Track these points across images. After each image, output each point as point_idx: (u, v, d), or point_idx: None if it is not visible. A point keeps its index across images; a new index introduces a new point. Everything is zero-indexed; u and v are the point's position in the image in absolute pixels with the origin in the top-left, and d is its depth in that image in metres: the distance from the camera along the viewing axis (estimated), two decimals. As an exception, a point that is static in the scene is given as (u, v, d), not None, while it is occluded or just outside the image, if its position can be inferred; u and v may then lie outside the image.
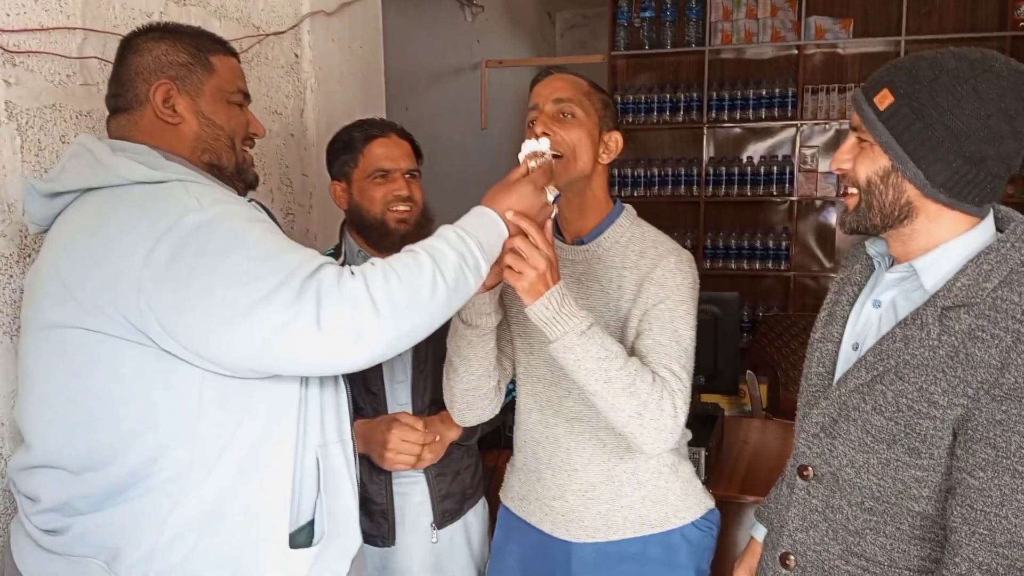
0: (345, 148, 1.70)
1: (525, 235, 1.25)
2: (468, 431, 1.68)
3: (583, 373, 1.30)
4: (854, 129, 1.18)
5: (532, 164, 1.33)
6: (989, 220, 1.15)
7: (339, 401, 1.27)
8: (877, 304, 1.22)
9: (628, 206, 1.58)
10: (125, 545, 1.11)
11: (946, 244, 1.13)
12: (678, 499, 1.54)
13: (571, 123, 1.46)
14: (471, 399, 1.52)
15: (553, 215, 1.32)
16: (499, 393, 1.56)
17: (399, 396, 1.70)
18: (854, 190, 1.18)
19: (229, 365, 1.08)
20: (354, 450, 1.28)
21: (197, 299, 1.03)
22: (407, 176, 1.70)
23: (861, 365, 1.17)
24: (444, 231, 1.18)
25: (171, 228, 1.05)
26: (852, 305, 1.26)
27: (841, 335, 1.26)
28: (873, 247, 1.26)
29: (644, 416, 1.31)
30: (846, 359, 1.24)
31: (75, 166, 1.17)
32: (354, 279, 1.07)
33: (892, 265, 1.22)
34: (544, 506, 1.57)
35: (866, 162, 1.15)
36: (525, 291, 1.26)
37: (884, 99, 1.12)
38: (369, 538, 1.70)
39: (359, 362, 1.08)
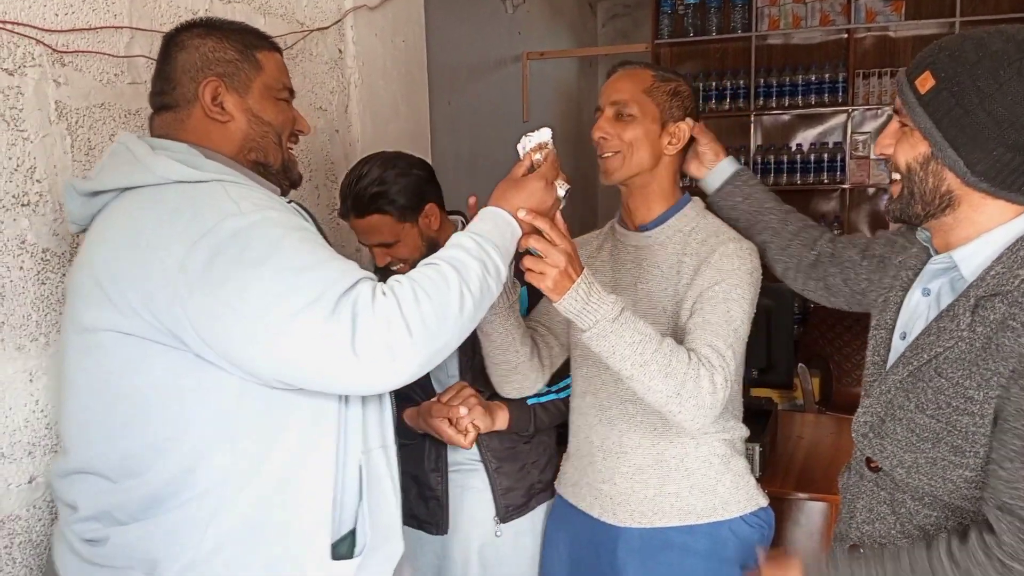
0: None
1: (539, 232, 1.23)
2: (519, 421, 1.65)
3: (618, 359, 1.29)
4: (896, 112, 1.13)
5: (537, 156, 1.28)
6: None
7: (383, 406, 1.24)
8: (927, 292, 1.17)
9: (696, 198, 1.58)
10: (164, 557, 1.09)
11: (988, 234, 1.08)
12: (727, 492, 1.52)
13: (628, 122, 1.48)
14: (505, 372, 1.55)
15: (562, 207, 1.29)
16: (539, 369, 1.57)
17: (446, 383, 1.69)
18: (896, 176, 1.13)
19: (261, 376, 1.06)
20: (397, 455, 1.26)
21: (231, 307, 1.01)
22: (384, 248, 1.67)
23: (901, 360, 1.14)
24: (461, 239, 1.16)
25: (208, 232, 1.03)
26: (906, 291, 1.22)
27: (894, 322, 1.21)
28: (921, 233, 1.21)
29: (682, 395, 1.31)
30: (896, 349, 1.20)
31: (114, 164, 1.16)
32: (387, 299, 1.04)
33: (937, 254, 1.17)
34: (594, 490, 1.57)
35: (906, 147, 1.11)
36: (550, 290, 1.25)
37: (925, 82, 1.07)
38: (423, 524, 1.72)
39: (390, 384, 1.06)
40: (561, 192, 1.27)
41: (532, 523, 1.76)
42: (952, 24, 4.14)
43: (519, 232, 1.21)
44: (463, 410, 1.56)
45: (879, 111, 4.46)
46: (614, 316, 1.27)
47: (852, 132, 4.50)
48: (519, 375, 1.55)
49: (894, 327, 1.21)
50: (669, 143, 1.50)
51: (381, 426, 1.23)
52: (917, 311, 1.18)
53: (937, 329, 1.09)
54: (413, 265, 1.65)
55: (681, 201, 1.55)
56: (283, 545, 1.11)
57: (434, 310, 1.05)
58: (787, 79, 4.46)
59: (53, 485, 1.21)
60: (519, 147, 1.31)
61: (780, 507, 1.93)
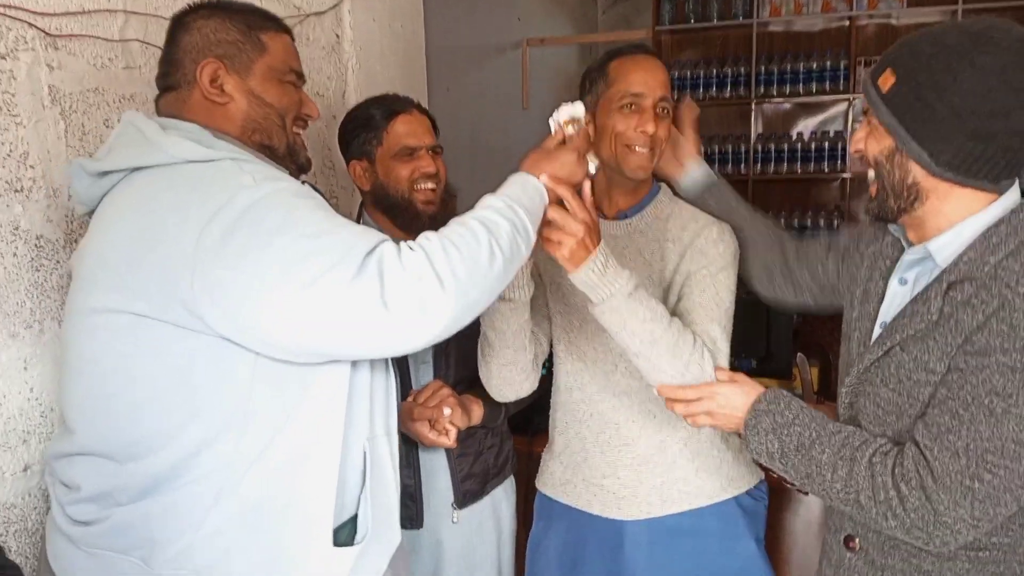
0: (365, 126, 1.66)
1: (559, 203, 1.22)
2: (491, 414, 1.65)
3: (627, 334, 1.29)
4: (864, 112, 1.17)
5: (570, 130, 1.28)
6: (1013, 193, 1.12)
7: (388, 392, 1.24)
8: (903, 282, 1.21)
9: (664, 183, 1.58)
10: (164, 539, 1.08)
11: (960, 224, 1.11)
12: (731, 468, 1.53)
13: (665, 119, 1.46)
14: (508, 374, 1.51)
15: (593, 174, 1.29)
16: (536, 369, 1.55)
17: (422, 378, 1.68)
18: (871, 174, 1.16)
19: (287, 347, 1.04)
20: (399, 444, 1.26)
21: (253, 278, 1.00)
22: (431, 152, 1.66)
23: (876, 342, 1.17)
24: (491, 200, 1.14)
25: (224, 206, 1.02)
26: (886, 281, 1.24)
27: (876, 311, 1.23)
28: (894, 226, 1.24)
29: (687, 377, 1.31)
30: (876, 336, 1.23)
31: (123, 144, 1.14)
32: (415, 253, 1.03)
33: (909, 244, 1.21)
34: (592, 486, 1.55)
35: (873, 143, 1.15)
36: (566, 259, 1.24)
37: (887, 79, 1.11)
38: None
39: (425, 339, 1.03)
40: (592, 168, 1.27)
41: (492, 505, 1.77)
42: (955, 12, 4.10)
43: (547, 199, 1.20)
44: (447, 410, 1.53)
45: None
46: (628, 291, 1.27)
47: (853, 120, 4.47)
48: (522, 376, 1.52)
49: (876, 316, 1.23)
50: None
51: (387, 413, 1.23)
52: (895, 300, 1.21)
53: (911, 312, 1.13)
54: (443, 192, 1.66)
55: (655, 188, 1.54)
56: (284, 530, 1.11)
57: (464, 264, 1.04)
58: (788, 67, 4.42)
59: (51, 465, 1.20)
60: (552, 120, 1.29)
61: (779, 498, 1.92)
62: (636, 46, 1.49)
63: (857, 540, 1.23)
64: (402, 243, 1.05)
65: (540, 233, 1.21)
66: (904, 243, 1.22)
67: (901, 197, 1.14)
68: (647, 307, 1.29)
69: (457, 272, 1.03)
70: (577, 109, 1.30)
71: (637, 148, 1.43)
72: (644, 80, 1.43)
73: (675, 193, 1.58)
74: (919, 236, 1.18)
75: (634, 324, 1.28)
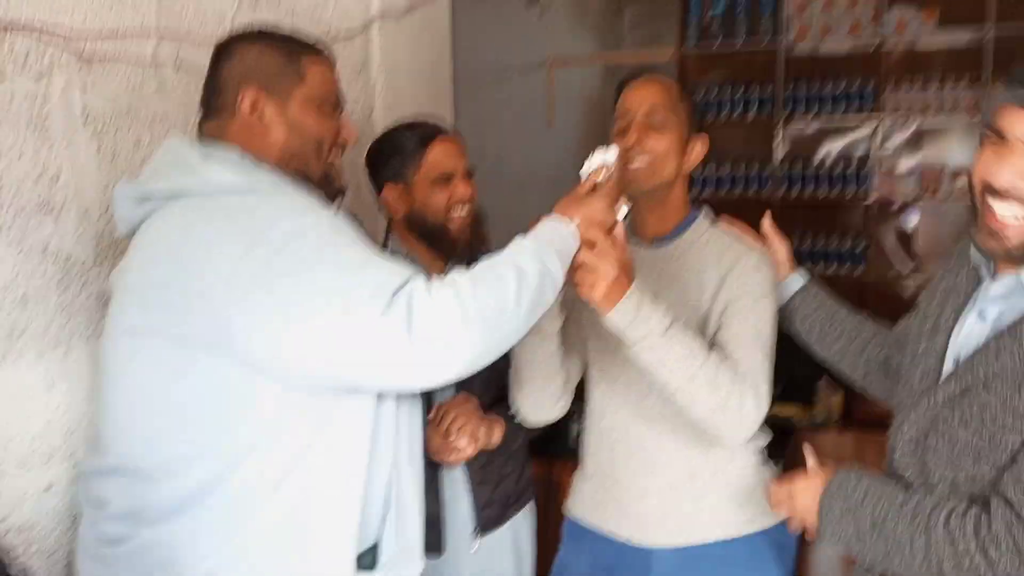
0: (399, 151, 1.66)
1: (592, 246, 1.23)
2: (511, 436, 1.64)
3: (666, 372, 1.29)
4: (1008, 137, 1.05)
5: (600, 178, 1.30)
6: None
7: (413, 421, 1.25)
8: (983, 317, 1.14)
9: (705, 207, 1.57)
10: (189, 561, 1.10)
11: None
12: (763, 500, 1.49)
13: (662, 133, 1.45)
14: (538, 399, 1.53)
15: (624, 219, 1.30)
16: (567, 392, 1.56)
17: (442, 400, 1.66)
18: (1013, 210, 1.06)
19: (313, 376, 1.07)
20: (425, 462, 1.27)
21: (287, 308, 1.02)
22: (465, 176, 1.67)
23: (953, 377, 1.11)
24: (523, 243, 1.16)
25: (262, 236, 1.04)
26: (958, 316, 1.18)
27: (945, 347, 1.18)
28: (975, 254, 1.16)
29: (726, 409, 1.30)
30: (948, 372, 1.16)
31: (165, 170, 1.17)
32: (444, 288, 1.05)
33: (996, 275, 1.13)
34: (622, 510, 1.54)
35: None
36: (600, 302, 1.24)
37: None
38: None
39: (448, 374, 1.05)
40: (621, 215, 1.28)
41: (513, 531, 1.76)
42: (985, 33, 4.06)
43: (578, 244, 1.22)
44: (463, 442, 1.54)
45: (907, 122, 4.39)
46: (663, 329, 1.27)
47: (879, 145, 4.43)
48: (552, 401, 1.53)
49: (945, 351, 1.18)
50: (688, 159, 1.50)
51: (410, 441, 1.24)
52: (971, 335, 1.15)
53: (996, 348, 1.07)
54: (475, 216, 1.67)
55: (693, 213, 1.54)
56: (307, 554, 1.12)
57: (492, 301, 1.06)
58: (814, 89, 4.40)
59: (85, 481, 1.22)
60: (584, 168, 1.32)
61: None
62: (637, 72, 1.51)
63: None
64: (433, 280, 1.07)
65: (572, 276, 1.22)
66: (988, 269, 1.15)
67: None
68: (683, 344, 1.28)
69: (484, 311, 1.05)
70: (609, 156, 1.32)
71: (632, 163, 1.43)
72: (633, 97, 1.47)
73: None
74: (1013, 267, 1.11)
75: (672, 362, 1.28)
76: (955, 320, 1.18)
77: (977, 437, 1.07)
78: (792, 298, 1.58)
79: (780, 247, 1.60)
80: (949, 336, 1.18)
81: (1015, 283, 1.10)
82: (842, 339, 1.54)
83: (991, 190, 1.08)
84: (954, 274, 1.23)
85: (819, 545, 1.18)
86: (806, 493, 1.21)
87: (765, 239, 1.59)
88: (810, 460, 1.30)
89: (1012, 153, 1.05)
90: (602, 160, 1.31)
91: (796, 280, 1.59)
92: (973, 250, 1.17)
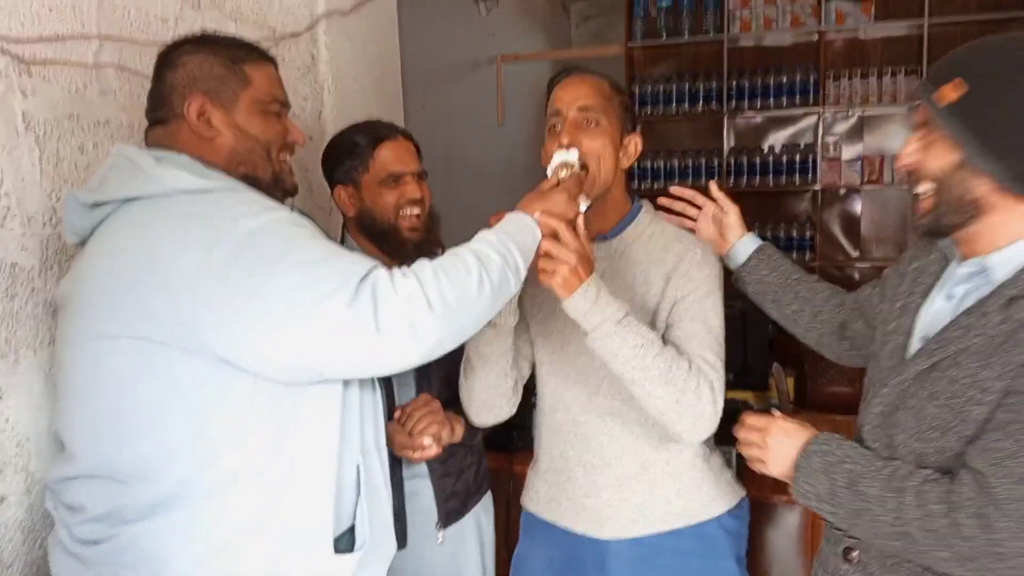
0: (350, 153, 1.67)
1: (555, 236, 1.27)
2: (470, 432, 1.67)
3: (620, 361, 1.31)
4: (922, 124, 1.13)
5: (563, 175, 1.37)
6: None
7: (376, 408, 1.28)
8: (950, 297, 1.18)
9: (646, 202, 1.58)
10: (173, 554, 1.11)
11: None
12: (712, 488, 1.54)
13: (595, 131, 1.45)
14: (488, 397, 1.54)
15: (586, 211, 1.35)
16: (516, 393, 1.58)
17: (404, 398, 1.68)
18: (923, 189, 1.13)
19: (285, 369, 1.09)
20: (388, 457, 1.30)
21: (254, 303, 1.04)
22: (416, 178, 1.68)
23: (922, 353, 1.15)
24: (485, 234, 1.20)
25: (224, 234, 1.06)
26: (925, 297, 1.23)
27: (912, 327, 1.22)
28: (943, 240, 1.21)
29: (682, 403, 1.33)
30: (914, 350, 1.20)
31: (117, 175, 1.17)
32: (407, 278, 1.09)
33: (962, 259, 1.18)
34: (576, 505, 1.56)
35: (932, 157, 1.11)
36: (560, 287, 1.28)
37: (954, 90, 1.07)
38: None
39: (413, 358, 1.09)
40: (583, 207, 1.34)
41: (476, 522, 1.79)
42: (921, 25, 4.18)
43: (540, 236, 1.26)
44: (427, 440, 1.54)
45: (849, 112, 4.50)
46: (619, 319, 1.30)
47: (823, 134, 4.54)
48: (502, 400, 1.55)
49: (912, 331, 1.22)
50: (624, 156, 1.50)
51: (375, 430, 1.28)
52: (939, 315, 1.18)
53: (964, 325, 1.10)
54: (428, 217, 1.68)
55: (635, 208, 1.55)
56: (287, 540, 1.15)
57: (454, 289, 1.10)
58: (759, 81, 4.49)
59: (53, 489, 1.22)
60: (549, 168, 1.40)
61: (758, 511, 1.93)
62: (567, 70, 1.51)
63: (856, 552, 1.21)
64: (396, 269, 1.11)
65: (535, 265, 1.27)
66: (953, 257, 1.20)
67: (960, 212, 1.10)
68: (637, 334, 1.31)
69: (446, 298, 1.09)
70: (571, 155, 1.39)
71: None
72: (563, 96, 1.47)
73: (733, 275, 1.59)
74: (970, 251, 1.15)
75: (626, 351, 1.31)
76: (923, 300, 1.23)
77: (945, 410, 1.09)
78: (746, 262, 1.59)
79: (731, 209, 1.61)
80: (916, 315, 1.22)
81: (980, 266, 1.14)
82: (796, 302, 1.56)
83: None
84: (924, 256, 1.27)
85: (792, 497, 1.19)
86: (786, 441, 1.20)
87: (715, 203, 1.60)
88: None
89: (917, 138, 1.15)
90: (563, 159, 1.38)
91: (748, 243, 1.60)
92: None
